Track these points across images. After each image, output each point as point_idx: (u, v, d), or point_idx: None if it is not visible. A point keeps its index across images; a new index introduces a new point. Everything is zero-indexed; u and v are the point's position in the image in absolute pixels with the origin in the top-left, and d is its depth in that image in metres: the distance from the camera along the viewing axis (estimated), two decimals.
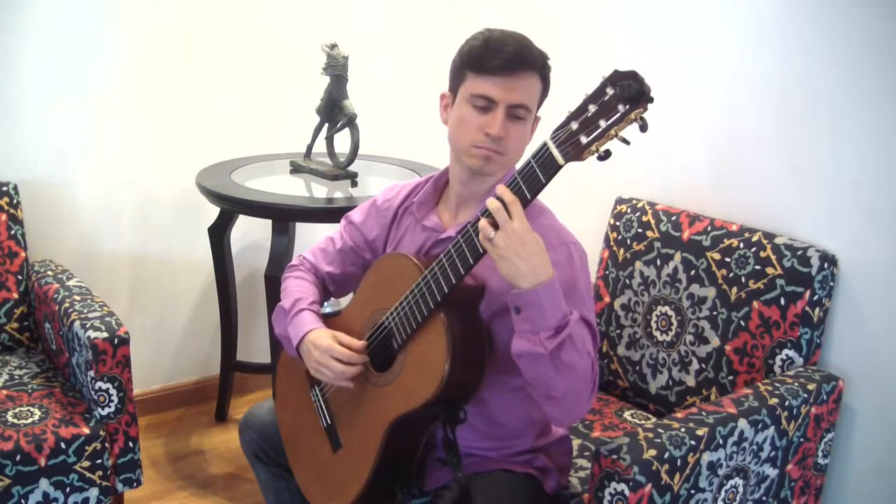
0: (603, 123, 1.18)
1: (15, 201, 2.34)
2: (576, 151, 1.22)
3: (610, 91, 1.18)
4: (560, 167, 1.24)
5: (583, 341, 1.37)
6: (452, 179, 1.58)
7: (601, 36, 2.30)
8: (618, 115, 1.17)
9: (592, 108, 1.20)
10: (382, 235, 1.70)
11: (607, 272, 2.17)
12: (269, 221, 2.47)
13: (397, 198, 1.69)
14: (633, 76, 1.16)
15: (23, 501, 1.88)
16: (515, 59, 1.41)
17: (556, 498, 1.65)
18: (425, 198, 1.63)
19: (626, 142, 1.21)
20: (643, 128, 1.18)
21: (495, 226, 1.29)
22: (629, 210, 2.16)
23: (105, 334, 1.98)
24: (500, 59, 1.41)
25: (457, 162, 1.53)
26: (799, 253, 1.82)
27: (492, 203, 1.28)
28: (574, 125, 1.21)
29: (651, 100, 1.16)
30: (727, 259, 1.93)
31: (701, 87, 2.08)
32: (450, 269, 1.39)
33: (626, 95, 1.16)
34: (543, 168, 1.26)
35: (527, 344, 1.33)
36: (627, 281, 2.12)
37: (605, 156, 1.21)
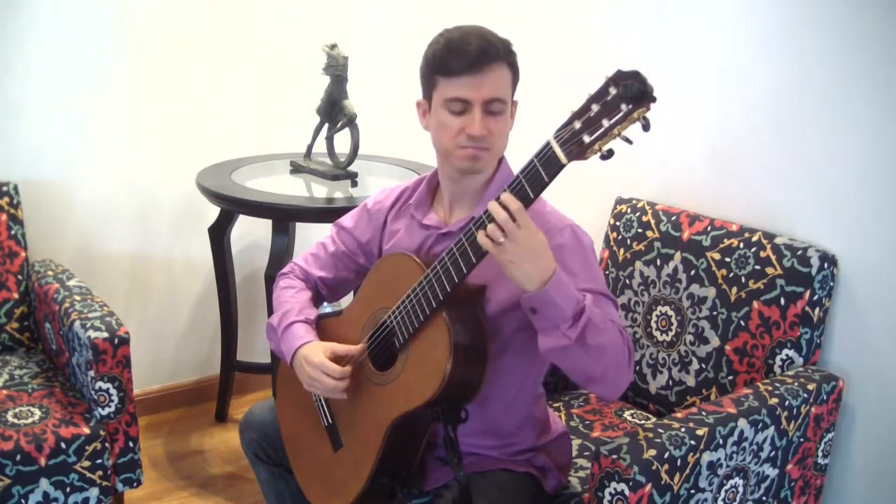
0: (606, 123, 1.19)
1: (15, 201, 2.34)
2: (579, 150, 1.22)
3: (613, 90, 1.18)
4: (563, 166, 1.24)
5: (603, 318, 1.37)
6: (443, 179, 1.61)
7: (603, 36, 2.30)
8: (621, 114, 1.18)
9: (595, 108, 1.20)
10: (376, 238, 1.71)
11: (607, 272, 2.17)
12: (269, 221, 2.47)
13: (387, 200, 1.71)
14: (636, 76, 1.17)
15: (23, 501, 1.87)
16: (480, 55, 1.44)
17: (556, 497, 1.65)
18: (421, 198, 1.64)
19: (628, 141, 1.21)
20: (646, 127, 1.19)
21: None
22: (629, 210, 2.16)
23: (105, 334, 1.98)
24: (466, 59, 1.44)
25: (445, 163, 1.55)
26: (799, 253, 1.83)
27: (499, 214, 1.28)
28: (577, 124, 1.22)
29: (654, 99, 1.16)
30: (727, 259, 1.93)
31: (701, 88, 2.08)
32: (452, 267, 1.39)
33: (628, 95, 1.16)
34: (547, 167, 1.26)
35: (551, 339, 1.34)
36: (627, 281, 2.12)
37: (608, 155, 1.21)
